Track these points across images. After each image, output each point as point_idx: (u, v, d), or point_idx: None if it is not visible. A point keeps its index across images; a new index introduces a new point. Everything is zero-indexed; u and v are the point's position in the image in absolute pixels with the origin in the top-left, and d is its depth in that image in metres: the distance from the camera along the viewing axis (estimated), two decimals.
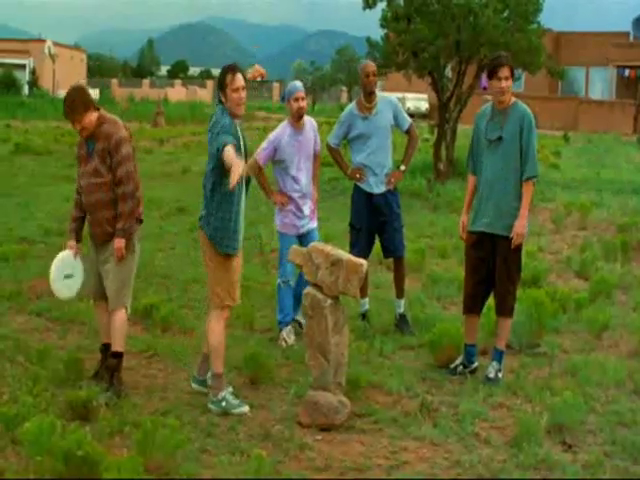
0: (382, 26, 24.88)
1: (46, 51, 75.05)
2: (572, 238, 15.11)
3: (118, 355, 7.26)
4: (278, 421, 6.72)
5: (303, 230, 9.09)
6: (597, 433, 6.62)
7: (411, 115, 54.77)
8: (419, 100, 63.42)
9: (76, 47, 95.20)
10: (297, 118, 8.92)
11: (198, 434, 6.36)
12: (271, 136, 9.00)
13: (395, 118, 9.37)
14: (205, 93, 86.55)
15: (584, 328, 9.37)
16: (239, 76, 6.91)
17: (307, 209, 9.10)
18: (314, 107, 75.81)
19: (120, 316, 7.32)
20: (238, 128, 6.99)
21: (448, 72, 25.31)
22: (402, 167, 9.43)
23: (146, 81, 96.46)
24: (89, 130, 7.18)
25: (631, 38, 63.50)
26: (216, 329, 7.00)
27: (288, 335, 8.84)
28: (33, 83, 70.80)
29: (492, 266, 7.82)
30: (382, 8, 24.54)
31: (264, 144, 9.00)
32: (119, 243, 7.20)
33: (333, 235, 13.17)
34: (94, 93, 68.74)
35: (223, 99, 6.94)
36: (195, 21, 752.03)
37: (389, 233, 9.34)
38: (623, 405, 7.16)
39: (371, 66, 9.31)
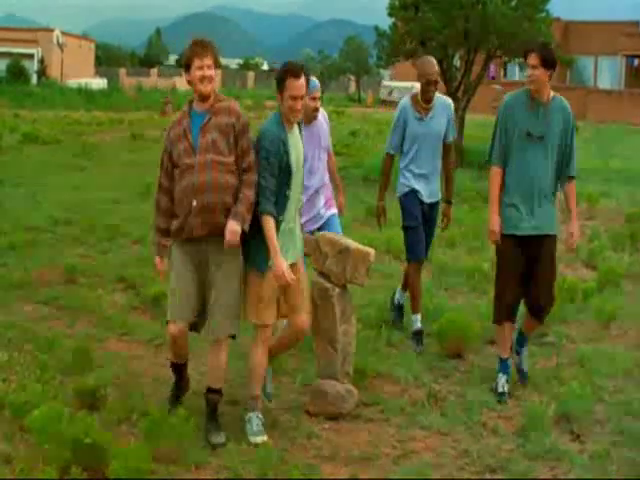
0: (390, 15, 24.86)
1: (54, 40, 75.06)
2: (580, 228, 15.05)
3: (220, 392, 6.36)
4: (285, 410, 6.73)
5: (319, 222, 8.08)
6: (605, 423, 6.61)
7: None
8: None
9: (84, 36, 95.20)
10: (308, 119, 7.68)
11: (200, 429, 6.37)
12: None
13: (447, 124, 8.55)
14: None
15: (592, 318, 9.36)
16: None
17: (321, 201, 8.03)
18: (322, 96, 75.73)
19: (225, 349, 6.26)
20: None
21: (456, 61, 25.28)
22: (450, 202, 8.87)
23: (154, 70, 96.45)
24: (209, 91, 6.15)
25: None
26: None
27: None
28: (41, 73, 70.82)
29: (529, 268, 7.27)
30: None
31: None
32: (234, 226, 5.98)
33: (343, 225, 13.17)
34: (102, 82, 68.86)
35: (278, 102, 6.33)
36: (204, 10, 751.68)
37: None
38: (631, 395, 7.15)
39: (432, 67, 8.37)
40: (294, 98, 6.15)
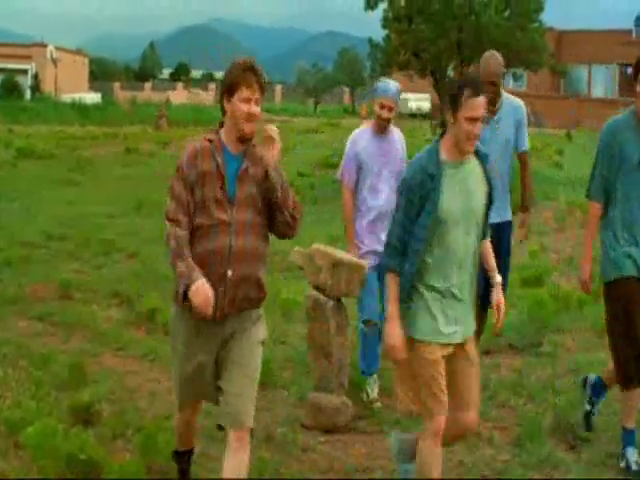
0: (383, 26, 25.00)
1: (48, 56, 75.15)
2: (575, 237, 15.07)
3: None
4: (281, 423, 6.71)
5: (377, 260, 6.91)
6: (600, 432, 6.60)
7: (413, 115, 54.36)
8: (421, 100, 63.57)
9: (78, 51, 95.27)
10: (378, 127, 7.15)
11: (200, 438, 6.35)
12: (348, 143, 7.32)
13: (517, 129, 7.29)
14: (206, 96, 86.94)
15: (587, 327, 9.35)
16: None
17: (384, 232, 6.46)
18: (316, 109, 75.93)
19: (248, 447, 4.75)
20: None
21: (450, 72, 25.37)
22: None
23: (148, 84, 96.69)
24: (253, 134, 4.75)
25: (634, 35, 63.47)
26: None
27: (371, 386, 7.30)
28: (35, 88, 70.89)
29: None
30: (383, 9, 24.66)
31: (344, 158, 7.32)
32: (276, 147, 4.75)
33: (338, 236, 13.16)
34: (96, 97, 69.01)
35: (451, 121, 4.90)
36: (198, 23, 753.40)
37: None
38: None
39: (493, 65, 7.13)
40: (471, 120, 4.80)
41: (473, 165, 4.99)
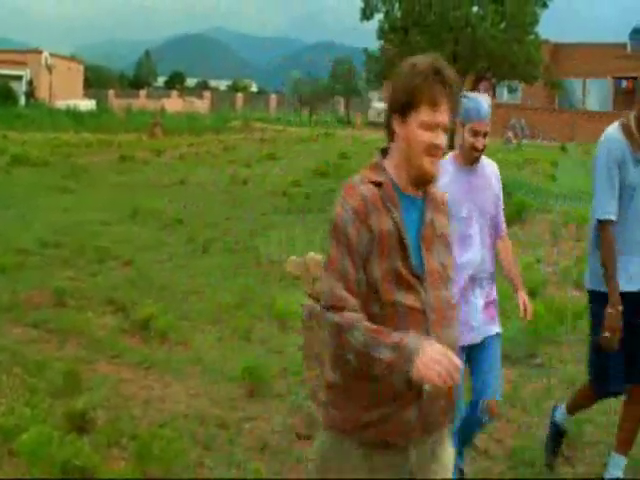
0: (379, 37, 25.02)
1: (43, 62, 75.15)
2: (569, 249, 15.09)
3: None
4: (276, 433, 6.70)
5: (473, 338, 5.42)
6: (595, 445, 6.60)
7: None
8: None
9: (73, 58, 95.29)
10: (467, 159, 5.31)
11: (195, 446, 6.35)
12: None
13: None
14: (201, 104, 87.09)
15: (581, 339, 9.35)
16: None
17: (479, 300, 5.39)
18: (311, 119, 75.93)
19: None
20: None
21: None
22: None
23: (143, 92, 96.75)
24: (435, 174, 3.22)
25: (628, 49, 63.66)
26: None
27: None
28: (30, 94, 70.88)
29: None
30: (379, 19, 24.69)
31: None
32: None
33: None
34: (91, 104, 69.00)
35: None
36: (193, 32, 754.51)
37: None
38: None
39: None
40: None
41: None
